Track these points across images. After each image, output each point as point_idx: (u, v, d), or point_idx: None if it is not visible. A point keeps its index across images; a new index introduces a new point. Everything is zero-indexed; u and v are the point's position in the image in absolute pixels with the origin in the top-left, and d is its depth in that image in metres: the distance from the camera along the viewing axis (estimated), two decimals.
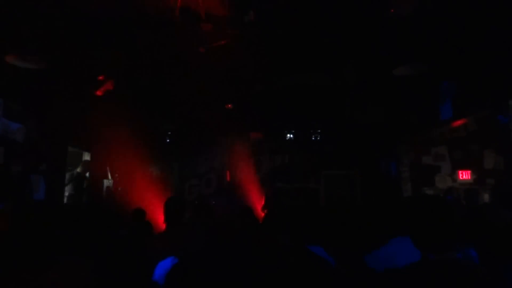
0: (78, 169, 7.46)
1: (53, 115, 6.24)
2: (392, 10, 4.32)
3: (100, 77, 4.93)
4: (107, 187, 8.43)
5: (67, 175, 7.14)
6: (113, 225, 3.24)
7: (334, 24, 4.86)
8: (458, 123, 7.03)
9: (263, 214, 6.41)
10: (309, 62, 6.01)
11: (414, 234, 1.63)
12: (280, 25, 4.86)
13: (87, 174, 7.72)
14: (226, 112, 8.17)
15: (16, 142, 5.81)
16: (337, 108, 7.63)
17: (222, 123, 8.61)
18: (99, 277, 1.40)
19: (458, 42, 4.99)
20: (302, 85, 6.97)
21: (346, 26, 4.88)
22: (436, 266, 1.51)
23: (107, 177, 8.47)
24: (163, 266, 2.12)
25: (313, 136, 8.93)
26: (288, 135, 9.12)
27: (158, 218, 6.57)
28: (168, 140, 9.61)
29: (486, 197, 6.73)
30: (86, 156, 7.97)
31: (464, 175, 7.32)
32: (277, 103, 7.49)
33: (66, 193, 7.11)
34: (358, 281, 2.18)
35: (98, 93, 5.02)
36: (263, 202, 8.47)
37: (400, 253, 2.22)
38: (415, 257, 1.63)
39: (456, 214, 1.61)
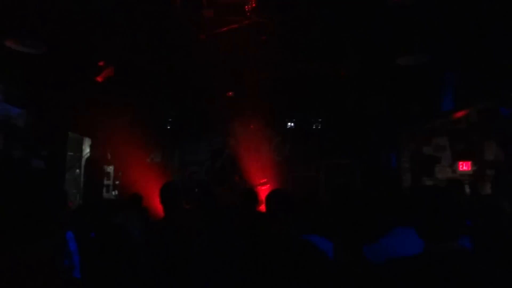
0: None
1: (53, 100, 6.24)
2: None
3: (101, 63, 4.90)
4: (108, 173, 8.49)
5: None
6: (110, 212, 3.26)
7: (336, 12, 4.81)
8: (460, 114, 7.01)
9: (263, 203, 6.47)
10: (311, 50, 5.97)
11: (418, 224, 1.63)
12: (282, 11, 4.81)
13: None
14: (228, 100, 8.15)
15: (17, 127, 5.82)
16: (339, 98, 7.60)
17: (223, 111, 8.61)
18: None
19: (461, 33, 4.94)
20: (304, 73, 6.94)
21: (349, 14, 4.83)
22: (440, 256, 1.52)
23: (107, 163, 8.52)
24: None
25: (314, 125, 8.92)
26: (289, 123, 9.11)
27: (157, 204, 6.62)
28: (169, 127, 9.61)
29: (487, 188, 6.75)
30: (87, 142, 8.01)
31: (464, 166, 7.33)
32: (278, 91, 7.47)
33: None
34: (358, 272, 2.18)
35: (99, 79, 5.01)
36: (264, 190, 8.53)
37: (402, 244, 2.22)
38: (417, 247, 1.63)
39: (459, 203, 1.61)
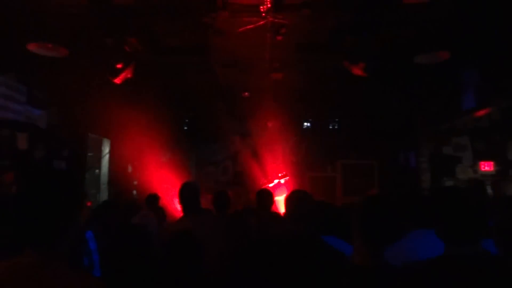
0: None
1: (74, 103, 6.39)
2: None
3: (119, 65, 4.99)
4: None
5: None
6: (128, 212, 3.29)
7: (352, 10, 4.77)
8: (481, 113, 6.83)
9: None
10: (326, 49, 5.93)
11: (438, 226, 1.59)
12: (297, 11, 4.79)
13: None
14: (244, 101, 8.18)
15: (39, 128, 5.99)
16: (356, 97, 7.53)
17: (240, 112, 8.64)
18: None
19: (481, 28, 4.82)
20: (320, 73, 6.90)
21: (366, 12, 4.77)
22: (461, 259, 1.48)
23: (128, 163, 8.67)
24: None
25: (330, 125, 8.87)
26: (305, 123, 9.08)
27: (174, 205, 6.71)
28: (185, 128, 9.71)
29: (511, 189, 6.56)
30: (106, 143, 8.16)
31: (486, 166, 7.14)
32: (294, 91, 7.45)
33: None
34: (376, 275, 2.14)
35: (117, 81, 5.09)
36: (280, 190, 8.51)
37: (421, 247, 2.18)
38: (437, 250, 1.59)
39: (481, 205, 1.57)
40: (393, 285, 1.57)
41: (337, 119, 8.81)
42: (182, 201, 3.20)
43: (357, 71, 5.55)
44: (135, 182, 8.72)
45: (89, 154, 7.52)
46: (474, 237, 1.51)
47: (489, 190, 6.27)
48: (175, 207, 6.91)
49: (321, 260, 1.88)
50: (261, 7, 4.64)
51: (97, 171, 8.00)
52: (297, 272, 1.86)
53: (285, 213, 2.72)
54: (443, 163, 7.45)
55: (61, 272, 1.26)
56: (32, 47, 4.69)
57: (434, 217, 1.63)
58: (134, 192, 8.55)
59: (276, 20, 4.82)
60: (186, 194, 3.21)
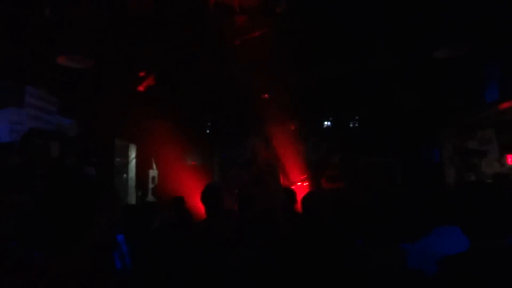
0: None
1: (101, 110, 6.66)
2: None
3: (141, 73, 5.20)
4: (152, 177, 8.87)
5: None
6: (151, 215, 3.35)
7: (370, 7, 4.76)
8: (506, 105, 6.64)
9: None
10: (345, 48, 5.93)
11: (465, 221, 1.59)
12: (312, 13, 4.83)
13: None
14: (264, 102, 8.25)
15: (69, 137, 6.28)
16: (376, 94, 7.47)
17: (260, 113, 8.71)
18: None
19: (504, 19, 4.71)
20: (339, 72, 6.89)
21: (383, 7, 4.76)
22: (488, 253, 1.48)
23: (152, 167, 8.91)
24: None
25: (351, 123, 8.81)
26: (326, 122, 9.06)
27: (200, 206, 6.84)
28: (208, 131, 9.88)
29: None
30: (133, 148, 8.43)
31: None
32: (314, 91, 7.46)
33: None
34: (400, 275, 2.13)
35: (140, 88, 5.30)
36: (302, 190, 8.53)
37: (444, 243, 2.18)
38: (461, 246, 1.60)
39: (508, 199, 1.56)
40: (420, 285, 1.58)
41: (357, 117, 8.74)
42: (205, 202, 3.26)
43: (376, 68, 5.53)
44: (152, 186, 8.92)
45: (116, 159, 7.80)
46: (501, 232, 1.50)
47: None
48: (201, 209, 7.05)
49: (350, 263, 1.88)
50: (277, 9, 4.73)
51: (124, 175, 8.27)
52: (327, 274, 1.86)
53: (303, 214, 2.72)
54: (468, 158, 7.27)
55: (85, 276, 1.29)
56: (61, 60, 4.96)
57: (460, 213, 1.63)
58: (151, 197, 8.75)
59: (292, 22, 4.89)
60: (209, 195, 3.27)
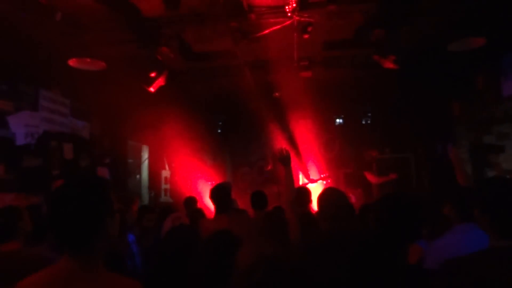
0: None
1: (113, 112, 6.73)
2: None
3: (152, 74, 5.22)
4: (165, 177, 8.94)
5: None
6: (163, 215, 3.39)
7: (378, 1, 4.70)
8: None
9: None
10: (355, 44, 5.87)
11: (484, 218, 1.55)
12: (324, 7, 4.78)
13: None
14: (275, 101, 8.24)
15: (82, 139, 6.36)
16: (387, 90, 7.38)
17: (271, 112, 8.70)
18: None
19: None
20: (349, 68, 6.83)
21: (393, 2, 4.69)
22: (508, 251, 1.45)
23: (164, 168, 8.98)
24: None
25: (363, 120, 8.72)
26: (338, 120, 8.99)
27: (211, 205, 6.88)
28: (219, 131, 9.91)
29: None
30: (145, 149, 8.51)
31: None
32: (325, 88, 7.41)
33: None
34: (420, 273, 2.10)
35: (151, 89, 5.33)
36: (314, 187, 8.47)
37: (464, 241, 2.18)
38: (480, 244, 1.56)
39: None
40: (440, 283, 1.54)
41: (369, 114, 8.65)
42: (214, 201, 3.33)
43: (388, 64, 5.46)
44: (164, 187, 8.98)
45: (129, 160, 7.87)
46: None
47: None
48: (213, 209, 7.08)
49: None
50: (287, 7, 4.70)
51: (137, 176, 8.35)
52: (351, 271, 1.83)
53: (318, 212, 2.71)
54: (484, 153, 7.10)
55: (97, 275, 1.33)
56: (72, 62, 5.02)
57: (479, 209, 1.59)
58: (164, 197, 8.81)
59: (302, 19, 4.85)
60: (217, 194, 3.34)
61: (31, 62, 4.94)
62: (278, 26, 5.03)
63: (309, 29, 4.96)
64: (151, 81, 5.24)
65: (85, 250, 1.33)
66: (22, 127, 5.12)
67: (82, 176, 5.26)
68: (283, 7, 4.70)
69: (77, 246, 1.33)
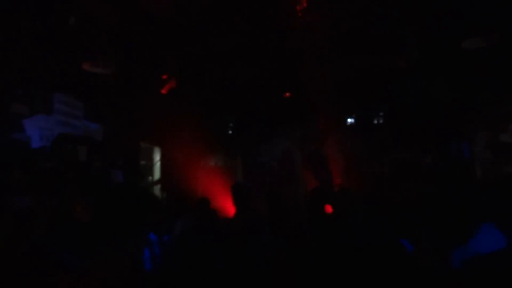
0: None
1: (125, 115, 6.79)
2: None
3: (164, 76, 5.25)
4: (177, 179, 8.96)
5: None
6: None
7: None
8: None
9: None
10: (369, 44, 5.82)
11: (504, 218, 1.53)
12: (336, 6, 4.76)
13: None
14: (286, 101, 8.21)
15: (96, 141, 6.42)
16: (400, 89, 7.29)
17: (282, 112, 8.67)
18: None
19: None
20: (362, 67, 6.77)
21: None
22: None
23: (176, 169, 9.01)
24: None
25: (375, 119, 8.62)
26: (349, 119, 8.90)
27: (224, 206, 6.88)
28: (230, 132, 9.90)
29: None
30: (157, 151, 8.55)
31: None
32: (336, 88, 7.36)
33: None
34: (443, 276, 2.06)
35: (163, 91, 5.36)
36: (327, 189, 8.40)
37: (484, 241, 2.14)
38: (499, 243, 1.53)
39: None
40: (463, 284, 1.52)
41: (381, 113, 8.55)
42: (234, 200, 3.32)
43: (401, 63, 5.41)
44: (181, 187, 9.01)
45: (142, 162, 7.93)
46: None
47: None
48: (225, 209, 7.09)
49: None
50: (298, 6, 4.69)
51: (150, 178, 8.40)
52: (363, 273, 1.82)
53: (332, 213, 2.70)
54: (501, 151, 6.97)
55: (130, 274, 1.35)
56: (86, 66, 5.08)
57: (498, 209, 1.55)
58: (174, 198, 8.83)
59: (314, 19, 4.83)
60: (239, 192, 3.33)
61: (44, 66, 5.01)
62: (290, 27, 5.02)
63: (322, 28, 4.93)
64: (162, 83, 5.28)
65: (109, 252, 1.35)
66: (37, 130, 5.19)
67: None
68: (294, 6, 4.69)
69: (100, 249, 1.34)
